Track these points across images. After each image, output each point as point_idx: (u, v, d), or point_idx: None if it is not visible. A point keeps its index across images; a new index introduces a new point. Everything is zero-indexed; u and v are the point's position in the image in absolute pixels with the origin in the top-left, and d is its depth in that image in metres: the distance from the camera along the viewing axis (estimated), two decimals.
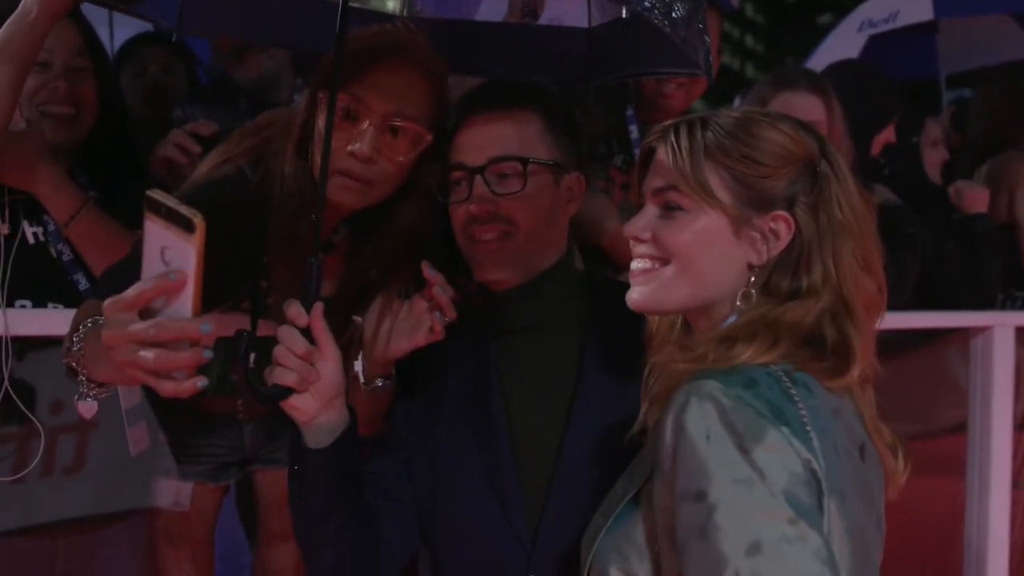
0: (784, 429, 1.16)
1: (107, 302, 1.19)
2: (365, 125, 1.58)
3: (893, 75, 4.41)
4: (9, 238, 1.99)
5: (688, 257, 1.33)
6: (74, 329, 1.39)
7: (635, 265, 1.39)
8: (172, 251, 1.15)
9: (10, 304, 1.94)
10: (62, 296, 2.02)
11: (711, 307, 1.36)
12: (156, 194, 1.16)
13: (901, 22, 4.59)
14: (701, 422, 1.17)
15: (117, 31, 3.62)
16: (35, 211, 2.03)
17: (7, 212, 2.00)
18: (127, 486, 2.20)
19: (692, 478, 1.16)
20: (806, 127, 1.38)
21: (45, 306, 2.00)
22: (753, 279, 1.32)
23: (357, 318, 1.59)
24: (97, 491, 2.14)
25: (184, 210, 1.13)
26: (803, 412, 1.20)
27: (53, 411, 2.05)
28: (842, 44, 4.77)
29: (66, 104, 2.09)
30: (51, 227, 2.04)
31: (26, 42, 1.76)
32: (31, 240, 2.03)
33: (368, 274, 1.74)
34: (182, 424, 2.14)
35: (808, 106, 2.74)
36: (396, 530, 1.65)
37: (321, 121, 1.59)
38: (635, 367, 1.48)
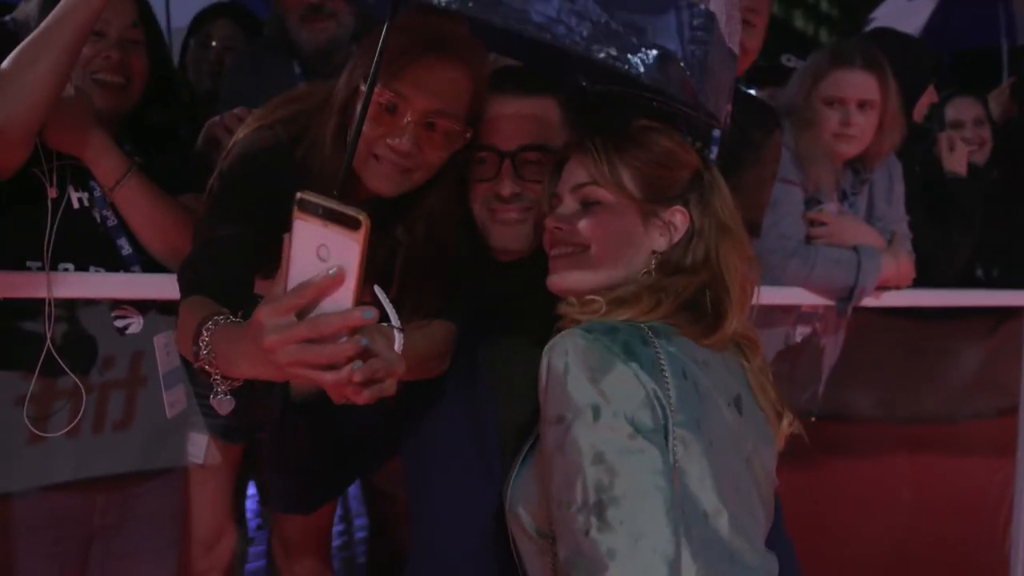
0: (632, 364, 1.39)
1: (263, 310, 1.21)
2: (405, 121, 1.60)
3: (961, 44, 4.30)
4: (55, 202, 2.04)
5: (606, 243, 1.57)
6: (197, 334, 1.42)
7: (556, 251, 1.62)
8: (330, 248, 1.18)
9: (54, 267, 1.99)
10: (104, 261, 2.08)
11: (618, 285, 1.56)
12: (310, 195, 1.18)
13: None
14: (561, 359, 1.40)
15: (174, 4, 3.68)
16: (81, 177, 2.07)
17: (55, 176, 2.04)
18: (171, 443, 2.26)
19: (554, 405, 1.40)
20: (689, 141, 1.68)
21: (87, 270, 2.04)
22: (655, 263, 1.58)
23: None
24: (145, 447, 2.19)
25: (348, 210, 1.17)
26: (659, 354, 1.43)
27: (105, 367, 2.10)
28: (896, 14, 4.67)
29: (117, 74, 2.15)
30: (96, 193, 2.09)
31: (84, 14, 1.80)
32: (76, 205, 2.08)
33: (394, 246, 1.76)
34: (197, 380, 2.17)
35: (863, 84, 2.74)
36: (354, 468, 1.80)
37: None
38: None
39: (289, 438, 1.59)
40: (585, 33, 1.37)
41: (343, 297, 1.19)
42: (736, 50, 1.64)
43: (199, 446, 2.35)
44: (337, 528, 4.12)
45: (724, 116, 1.65)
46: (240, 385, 1.48)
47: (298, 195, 1.19)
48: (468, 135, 1.68)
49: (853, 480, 3.10)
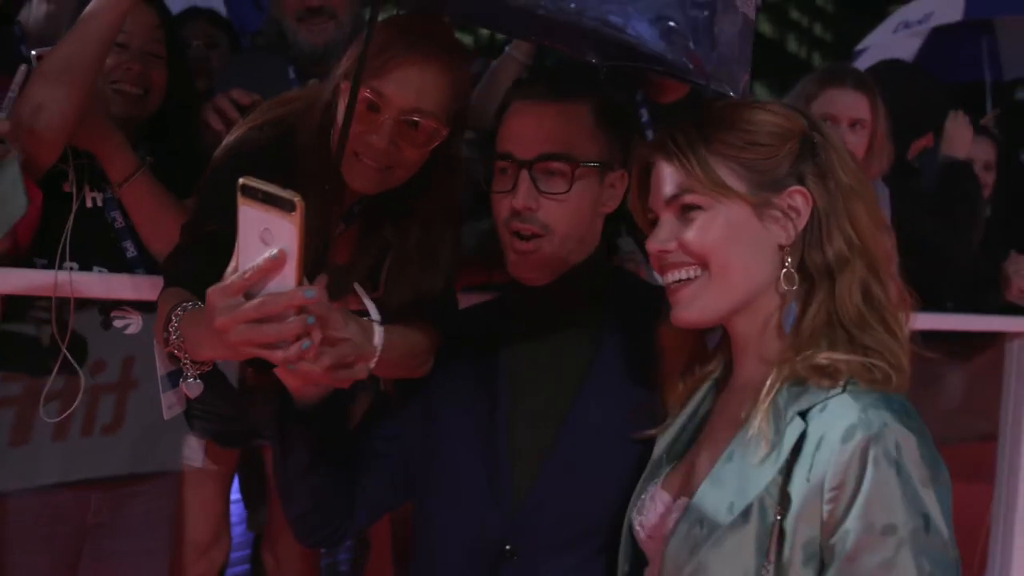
0: (940, 458, 1.25)
1: (213, 291, 1.27)
2: (384, 118, 1.62)
3: (948, 77, 4.40)
4: (71, 200, 2.10)
5: (722, 254, 1.35)
6: (167, 320, 1.49)
7: (671, 278, 1.40)
8: (272, 232, 1.23)
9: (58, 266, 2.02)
10: (108, 262, 2.12)
11: (755, 300, 1.38)
12: (251, 181, 1.23)
13: (934, 22, 4.66)
14: (892, 456, 1.22)
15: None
16: (96, 178, 2.14)
17: (71, 175, 2.11)
18: (162, 447, 2.27)
19: (883, 512, 1.21)
20: (790, 105, 1.44)
21: (91, 269, 2.08)
22: (789, 260, 1.35)
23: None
24: (134, 450, 2.20)
25: (284, 193, 1.21)
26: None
27: (94, 371, 2.12)
28: (882, 46, 4.79)
29: (136, 85, 2.22)
30: (108, 195, 2.14)
31: (109, 19, 1.86)
32: (89, 204, 2.14)
33: (385, 247, 1.79)
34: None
35: (854, 104, 2.78)
36: (375, 486, 1.73)
37: (342, 109, 1.63)
38: (649, 362, 1.55)
39: (291, 451, 1.58)
40: (573, 5, 1.33)
41: (286, 278, 1.24)
42: (752, 15, 1.55)
43: (196, 450, 2.37)
44: None
45: (742, 86, 1.57)
46: (210, 369, 1.55)
47: (240, 181, 1.23)
48: (445, 133, 1.67)
49: None
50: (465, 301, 1.90)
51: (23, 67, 1.93)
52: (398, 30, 1.64)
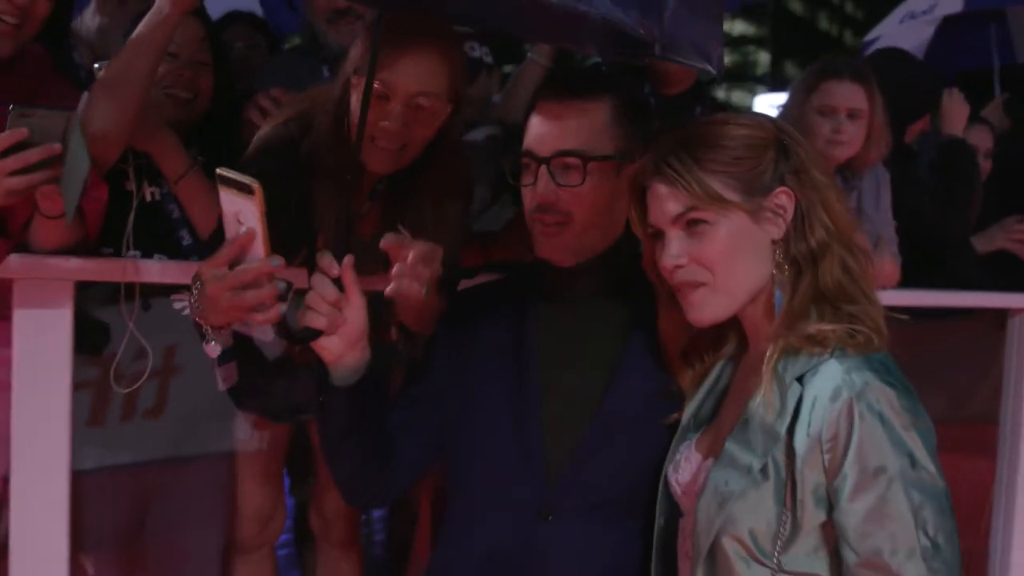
0: (919, 405, 1.44)
1: (203, 264, 1.53)
2: (393, 104, 1.86)
3: (958, 66, 4.50)
4: (131, 195, 2.33)
5: (729, 262, 1.53)
6: (190, 293, 1.72)
7: (684, 287, 1.57)
8: (243, 213, 1.47)
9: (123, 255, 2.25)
10: (167, 249, 2.35)
11: (757, 292, 1.56)
12: (224, 171, 1.46)
13: (938, 13, 4.72)
14: (875, 409, 1.40)
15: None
16: (153, 175, 2.37)
17: (131, 172, 2.34)
18: (205, 430, 2.46)
19: (873, 456, 1.40)
20: (755, 114, 1.66)
21: (152, 257, 2.28)
22: (779, 252, 1.54)
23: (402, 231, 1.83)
24: (177, 434, 2.39)
25: (245, 179, 1.44)
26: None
27: (137, 357, 2.27)
28: (891, 36, 4.86)
29: (186, 90, 2.45)
30: (165, 189, 2.37)
31: (160, 33, 2.08)
32: (148, 198, 2.36)
33: (405, 222, 1.95)
34: (248, 361, 2.36)
35: (851, 94, 2.91)
36: (412, 448, 1.86)
37: (355, 100, 1.84)
38: None
39: (332, 420, 1.71)
40: None
41: (257, 250, 1.48)
42: None
43: (246, 426, 2.52)
44: None
45: (716, 59, 1.76)
46: (245, 344, 1.77)
47: (216, 171, 1.46)
48: (449, 109, 1.91)
49: None
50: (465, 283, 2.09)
51: (86, 94, 2.14)
52: (398, 28, 1.83)
